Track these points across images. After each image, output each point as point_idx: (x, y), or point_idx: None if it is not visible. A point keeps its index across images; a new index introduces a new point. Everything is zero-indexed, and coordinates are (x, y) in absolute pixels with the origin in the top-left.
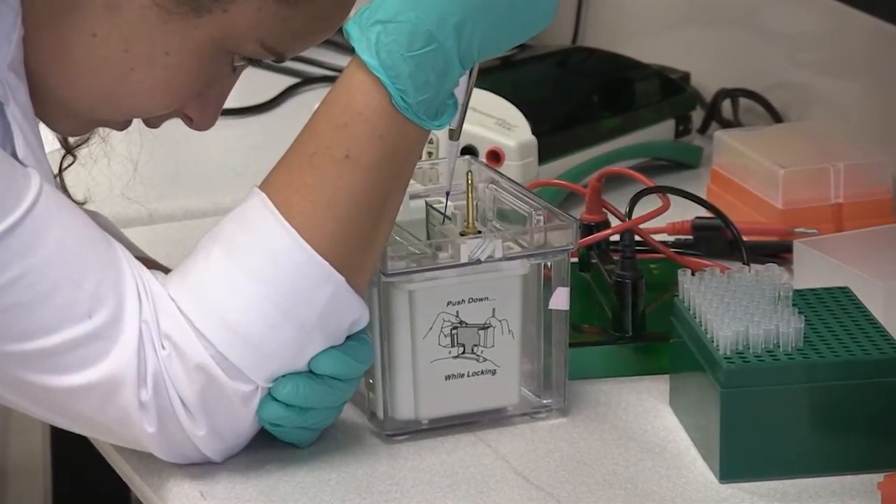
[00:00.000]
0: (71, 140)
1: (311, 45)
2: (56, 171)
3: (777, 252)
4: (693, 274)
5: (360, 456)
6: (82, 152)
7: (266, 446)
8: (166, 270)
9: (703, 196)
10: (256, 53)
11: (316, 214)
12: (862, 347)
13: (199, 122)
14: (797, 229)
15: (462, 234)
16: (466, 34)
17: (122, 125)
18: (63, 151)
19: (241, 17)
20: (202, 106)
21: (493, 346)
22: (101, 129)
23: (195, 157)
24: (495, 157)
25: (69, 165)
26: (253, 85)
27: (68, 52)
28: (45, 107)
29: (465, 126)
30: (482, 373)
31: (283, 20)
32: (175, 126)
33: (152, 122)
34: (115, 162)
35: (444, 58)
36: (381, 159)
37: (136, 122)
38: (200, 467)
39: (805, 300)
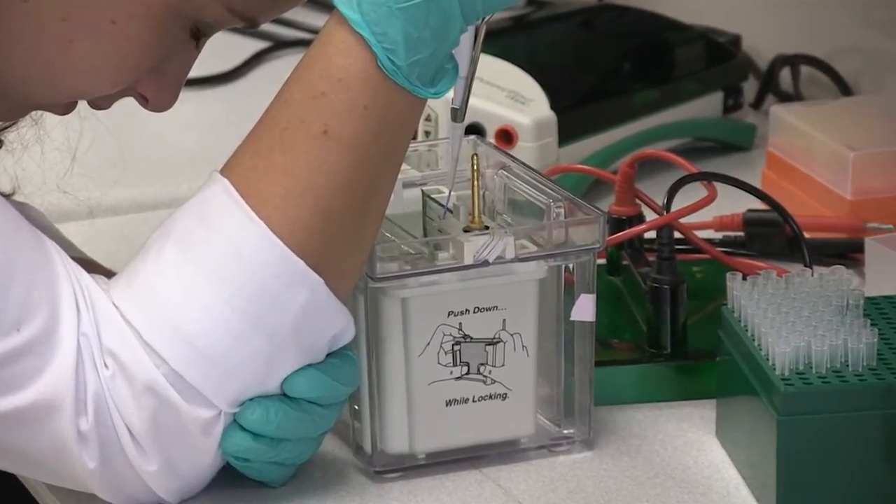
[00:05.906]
0: None
1: (287, 9)
2: None
3: (845, 252)
4: (744, 278)
5: (344, 497)
6: (9, 136)
7: (231, 485)
8: (109, 274)
9: (757, 184)
10: (222, 20)
11: (288, 203)
12: None
13: (156, 102)
14: (869, 224)
15: (466, 231)
16: None
17: (63, 109)
18: None
19: None
20: (158, 84)
21: (503, 364)
22: (33, 111)
23: (144, 138)
24: (506, 137)
25: None
26: (215, 50)
27: None
28: None
29: (471, 100)
30: (490, 397)
31: None
32: (120, 101)
33: (99, 103)
34: (49, 148)
35: (441, 10)
36: (367, 135)
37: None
38: None
39: (878, 309)
